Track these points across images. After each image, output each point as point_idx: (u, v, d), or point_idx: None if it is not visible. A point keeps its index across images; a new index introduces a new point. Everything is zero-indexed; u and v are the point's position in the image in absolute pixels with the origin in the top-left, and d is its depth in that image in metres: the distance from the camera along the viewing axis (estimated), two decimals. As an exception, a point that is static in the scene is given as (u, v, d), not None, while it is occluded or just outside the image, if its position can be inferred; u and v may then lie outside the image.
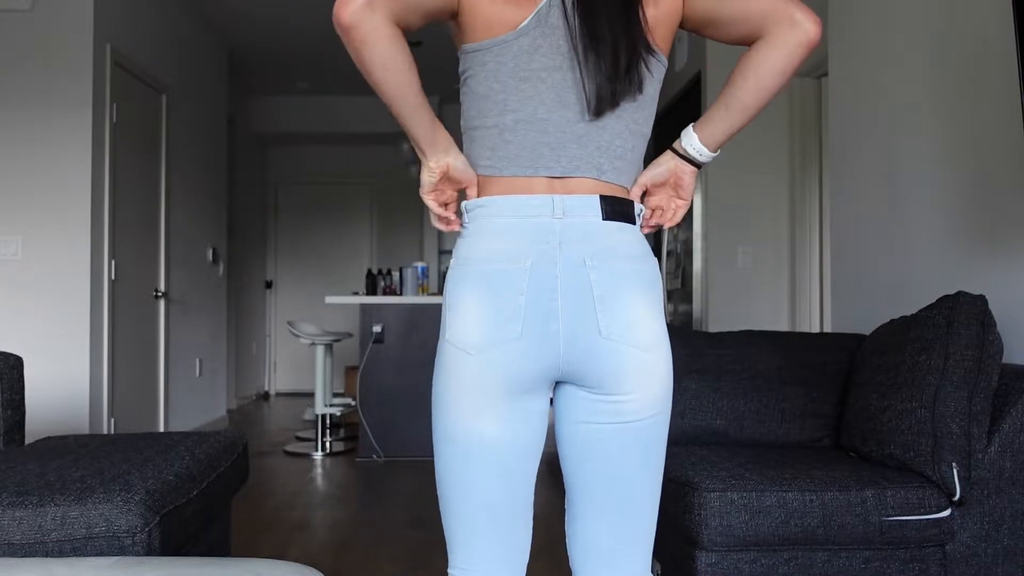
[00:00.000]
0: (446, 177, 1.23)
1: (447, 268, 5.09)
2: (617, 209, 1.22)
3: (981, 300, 2.13)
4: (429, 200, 1.26)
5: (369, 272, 5.91)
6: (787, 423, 2.58)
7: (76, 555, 1.77)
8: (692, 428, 2.60)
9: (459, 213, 1.28)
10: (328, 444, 5.52)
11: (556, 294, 1.18)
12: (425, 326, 5.22)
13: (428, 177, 1.23)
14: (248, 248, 8.16)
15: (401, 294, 5.61)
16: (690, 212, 4.85)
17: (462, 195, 1.28)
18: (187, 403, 5.65)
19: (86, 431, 4.10)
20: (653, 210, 1.33)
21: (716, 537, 1.98)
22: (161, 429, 5.14)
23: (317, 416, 5.50)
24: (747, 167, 4.69)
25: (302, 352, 8.99)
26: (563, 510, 1.38)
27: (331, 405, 5.58)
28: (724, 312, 4.66)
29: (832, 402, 2.59)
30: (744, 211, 4.69)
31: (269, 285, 9.06)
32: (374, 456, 5.18)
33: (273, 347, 9.06)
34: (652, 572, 2.42)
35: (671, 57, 5.47)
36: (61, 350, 4.11)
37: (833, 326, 3.47)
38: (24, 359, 4.04)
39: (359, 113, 8.36)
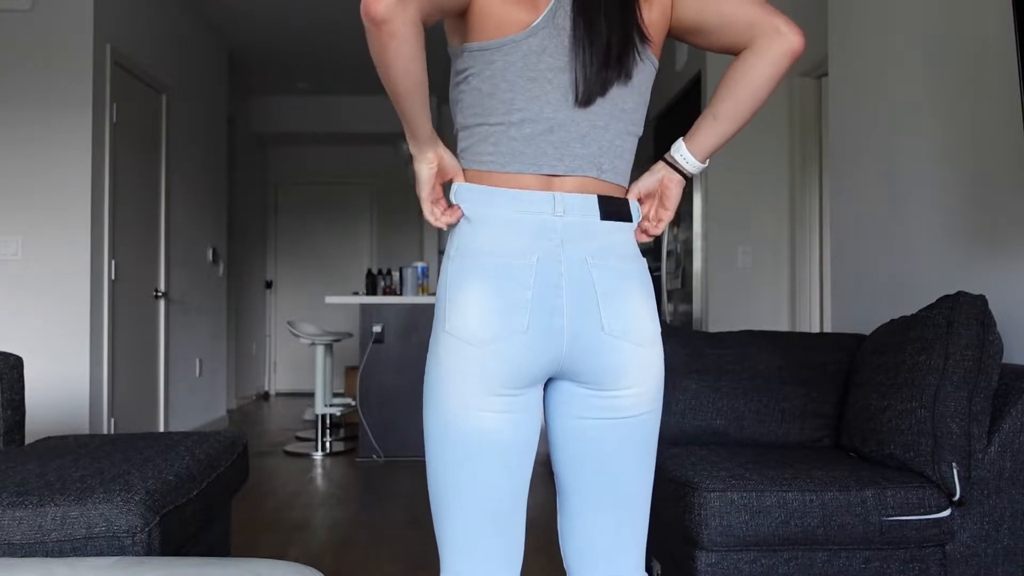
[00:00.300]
0: (440, 169, 1.24)
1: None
2: (614, 209, 1.25)
3: (981, 300, 2.13)
4: (427, 202, 1.25)
5: (369, 272, 5.91)
6: (787, 423, 2.58)
7: (76, 555, 1.77)
8: (692, 428, 2.60)
9: (448, 201, 1.28)
10: (328, 444, 5.52)
11: (561, 290, 1.19)
12: (425, 326, 5.22)
13: (427, 170, 1.23)
14: (248, 248, 8.16)
15: (401, 294, 5.61)
16: (690, 212, 4.85)
17: (447, 189, 1.29)
18: (187, 403, 5.65)
19: (86, 431, 4.10)
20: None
21: (716, 537, 1.98)
22: (161, 429, 5.14)
23: (317, 416, 5.50)
24: (747, 167, 4.69)
25: (302, 352, 8.99)
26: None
27: (331, 405, 5.58)
28: (724, 312, 4.66)
29: (832, 402, 2.59)
30: (744, 211, 4.69)
31: (269, 285, 9.06)
32: (374, 456, 5.18)
33: (273, 347, 9.06)
34: (652, 572, 2.42)
35: (671, 57, 5.47)
36: (61, 350, 4.11)
37: (833, 326, 3.47)
38: (24, 359, 4.04)
39: (359, 113, 8.36)
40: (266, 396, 8.91)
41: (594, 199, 1.23)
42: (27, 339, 4.08)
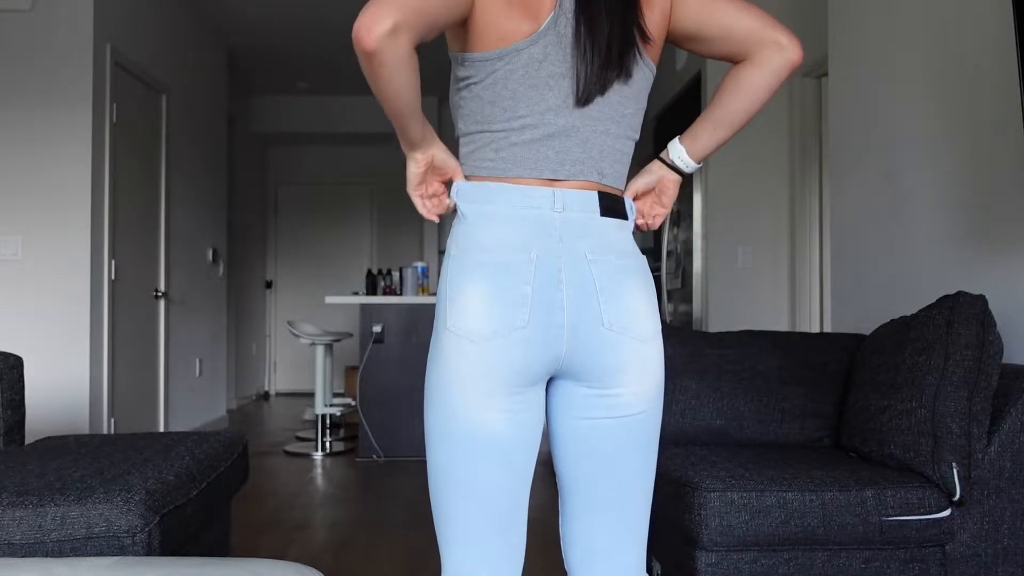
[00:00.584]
0: (431, 167, 1.25)
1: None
2: (613, 206, 1.27)
3: (981, 300, 2.13)
4: (415, 195, 1.27)
5: (369, 272, 5.91)
6: (787, 423, 2.58)
7: (76, 555, 1.77)
8: (692, 428, 2.60)
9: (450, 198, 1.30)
10: (328, 444, 5.52)
11: (561, 286, 1.20)
12: (425, 326, 5.22)
13: (415, 169, 1.24)
14: (248, 248, 8.16)
15: (401, 294, 5.61)
16: (690, 212, 4.85)
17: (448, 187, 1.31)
18: (187, 403, 5.65)
19: (86, 431, 4.10)
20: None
21: (716, 537, 1.98)
22: (161, 429, 5.14)
23: (317, 416, 5.50)
24: (747, 167, 4.69)
25: (302, 352, 8.99)
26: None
27: (331, 405, 5.58)
28: (724, 312, 4.66)
29: (832, 402, 2.59)
30: (744, 211, 4.69)
31: (269, 285, 9.06)
32: (374, 456, 5.18)
33: (273, 347, 9.06)
34: (652, 572, 2.42)
35: (671, 57, 5.47)
36: (61, 350, 4.11)
37: (833, 326, 3.47)
38: (24, 359, 4.04)
39: (359, 113, 8.37)
40: (266, 396, 8.91)
41: (594, 195, 1.24)
42: (27, 339, 4.08)
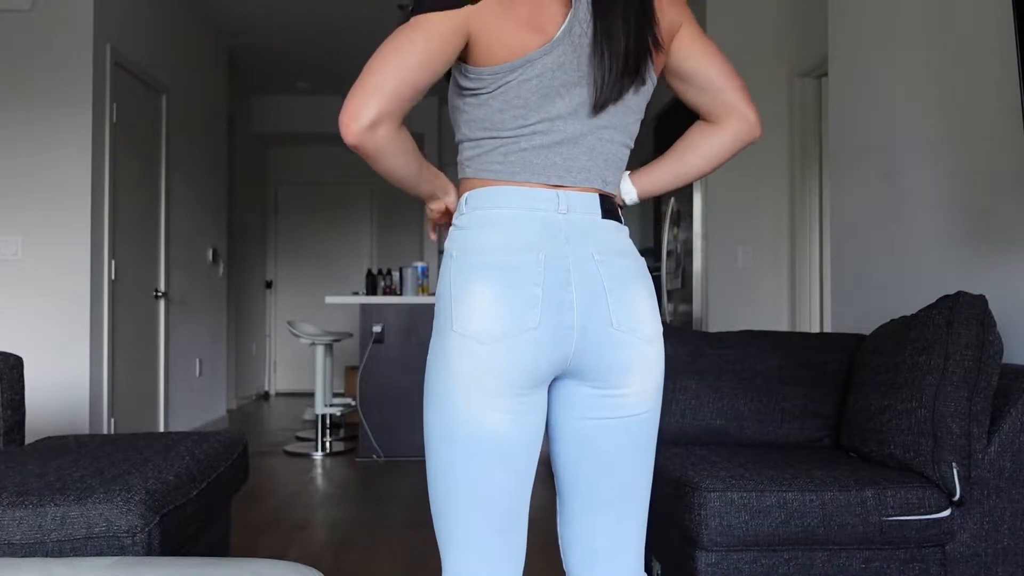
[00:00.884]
0: (447, 210, 1.35)
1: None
2: (612, 208, 1.28)
3: (981, 300, 2.13)
4: (430, 221, 1.39)
5: (369, 272, 5.91)
6: (787, 423, 2.58)
7: (76, 555, 1.77)
8: (692, 428, 2.60)
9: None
10: (328, 444, 5.52)
11: (570, 287, 1.20)
12: (425, 326, 5.22)
13: (431, 215, 1.37)
14: (248, 248, 8.16)
15: (401, 294, 5.61)
16: (690, 212, 4.85)
17: None
18: (187, 403, 5.65)
19: (86, 431, 4.10)
20: None
21: (716, 537, 1.98)
22: (161, 429, 5.14)
23: (317, 416, 5.50)
24: (747, 167, 4.69)
25: (302, 352, 8.99)
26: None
27: (331, 405, 5.58)
28: (724, 312, 4.66)
29: (832, 402, 2.59)
30: (744, 211, 4.69)
31: (269, 285, 9.06)
32: (374, 456, 5.18)
33: (273, 347, 9.06)
34: (652, 572, 2.42)
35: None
36: (61, 350, 4.11)
37: (833, 326, 3.47)
38: (24, 359, 4.04)
39: (359, 113, 8.35)
40: (266, 396, 8.91)
41: (596, 197, 1.25)
42: (27, 339, 4.08)
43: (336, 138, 8.68)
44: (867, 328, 3.12)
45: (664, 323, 2.87)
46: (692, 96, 1.36)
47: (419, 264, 5.54)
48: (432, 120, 8.36)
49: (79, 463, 2.13)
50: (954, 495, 2.00)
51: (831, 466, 2.15)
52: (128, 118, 4.66)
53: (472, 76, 1.20)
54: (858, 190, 3.26)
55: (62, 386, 4.10)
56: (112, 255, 4.40)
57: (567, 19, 1.19)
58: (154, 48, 5.08)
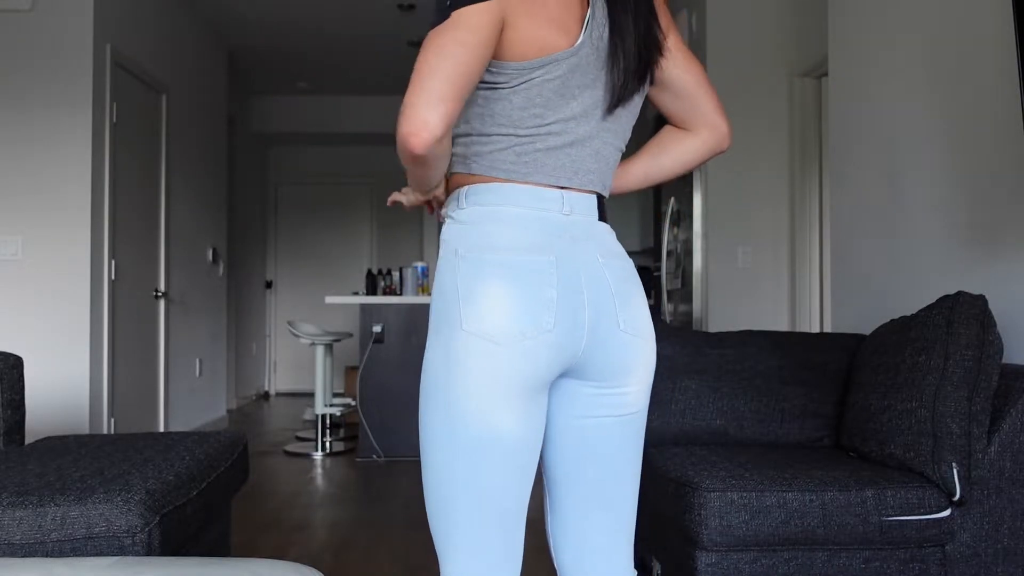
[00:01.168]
0: (436, 198, 1.35)
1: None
2: (604, 211, 1.30)
3: (981, 300, 2.13)
4: (400, 198, 1.37)
5: (369, 272, 5.91)
6: (787, 423, 2.58)
7: (76, 555, 1.77)
8: (692, 428, 2.60)
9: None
10: (328, 444, 5.52)
11: (581, 288, 1.20)
12: (425, 326, 5.22)
13: (414, 199, 1.36)
14: (248, 248, 8.16)
15: (401, 294, 5.61)
16: (690, 212, 4.85)
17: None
18: (187, 403, 5.65)
19: (86, 431, 4.10)
20: None
21: (716, 537, 1.98)
22: (161, 429, 5.14)
23: (317, 416, 5.50)
24: (747, 167, 4.69)
25: (302, 352, 8.99)
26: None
27: (331, 405, 5.58)
28: (724, 312, 4.66)
29: (832, 402, 2.59)
30: (744, 211, 4.69)
31: (269, 285, 9.06)
32: (374, 456, 5.18)
33: (273, 347, 9.06)
34: (652, 572, 2.42)
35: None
36: (61, 350, 4.11)
37: (833, 326, 3.47)
38: (24, 359, 4.04)
39: (359, 113, 8.37)
40: (266, 396, 8.91)
41: (594, 199, 1.27)
42: (27, 339, 4.08)
43: (336, 138, 8.69)
44: (867, 328, 3.12)
45: (664, 323, 2.87)
46: (667, 102, 1.37)
47: (419, 264, 5.54)
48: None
49: (79, 463, 2.13)
50: (954, 495, 2.00)
51: (831, 466, 2.15)
52: (128, 118, 4.66)
53: (494, 69, 1.18)
54: (858, 190, 3.26)
55: (62, 386, 4.10)
56: (112, 255, 4.40)
57: (587, 19, 1.20)
58: (154, 48, 5.08)
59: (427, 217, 8.81)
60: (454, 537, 1.21)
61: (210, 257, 6.13)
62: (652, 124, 5.93)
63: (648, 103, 1.38)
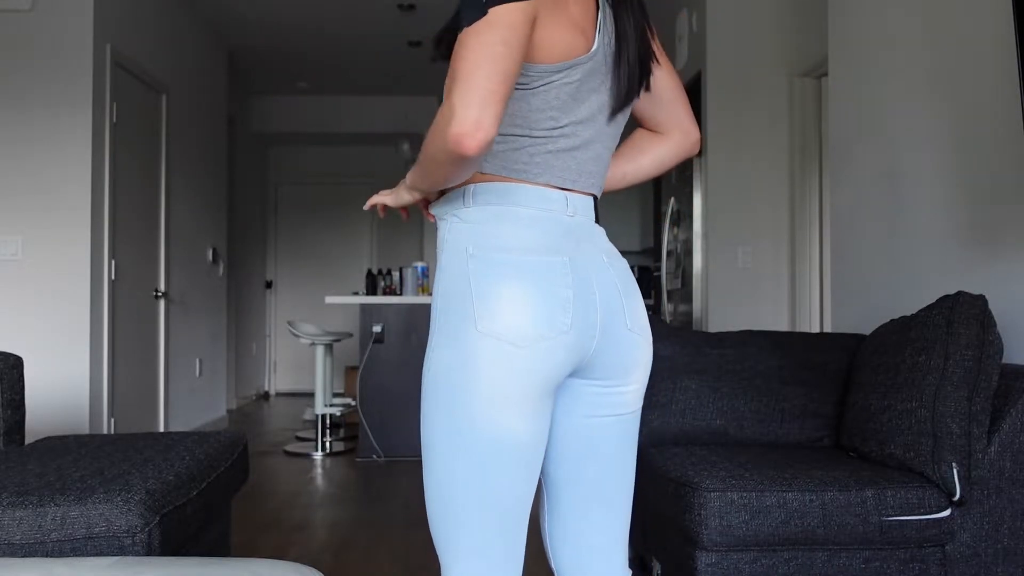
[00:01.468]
0: (421, 203, 1.35)
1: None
2: (599, 213, 1.31)
3: (981, 300, 2.13)
4: (385, 198, 1.36)
5: (369, 272, 5.91)
6: (787, 423, 2.58)
7: (76, 555, 1.77)
8: (692, 428, 2.60)
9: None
10: (328, 444, 5.52)
11: (593, 288, 1.21)
12: (425, 326, 5.22)
13: (408, 198, 1.33)
14: (248, 248, 8.16)
15: (401, 294, 5.61)
16: (690, 212, 4.85)
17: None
18: (187, 403, 5.65)
19: (86, 431, 4.10)
20: None
21: (716, 537, 1.98)
22: (161, 429, 5.14)
23: (317, 416, 5.50)
24: (747, 167, 4.69)
25: (302, 352, 8.99)
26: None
27: (331, 405, 5.58)
28: (724, 312, 4.66)
29: (832, 402, 2.59)
30: (744, 211, 4.69)
31: (269, 285, 9.06)
32: (374, 456, 5.18)
33: (273, 347, 9.06)
34: (652, 572, 2.42)
35: (671, 56, 5.47)
36: (61, 350, 4.11)
37: (833, 326, 3.47)
38: (24, 359, 4.04)
39: (359, 113, 8.36)
40: (266, 396, 8.91)
41: (591, 201, 1.28)
42: (27, 339, 4.08)
43: (336, 138, 8.69)
44: (867, 328, 3.12)
45: (664, 323, 2.87)
46: (647, 107, 1.38)
47: (419, 264, 5.54)
48: (430, 120, 8.35)
49: (79, 463, 2.13)
50: (954, 495, 2.00)
51: (831, 466, 2.15)
52: (128, 118, 4.66)
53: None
54: (858, 190, 3.26)
55: (62, 386, 4.10)
56: (112, 255, 4.40)
57: (598, 24, 1.22)
58: (154, 48, 5.08)
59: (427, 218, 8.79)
60: (459, 539, 1.20)
61: (210, 257, 6.13)
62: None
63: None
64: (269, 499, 4.12)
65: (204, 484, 2.17)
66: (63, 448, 2.37)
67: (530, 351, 1.15)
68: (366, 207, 1.41)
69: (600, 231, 1.29)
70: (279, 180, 9.16)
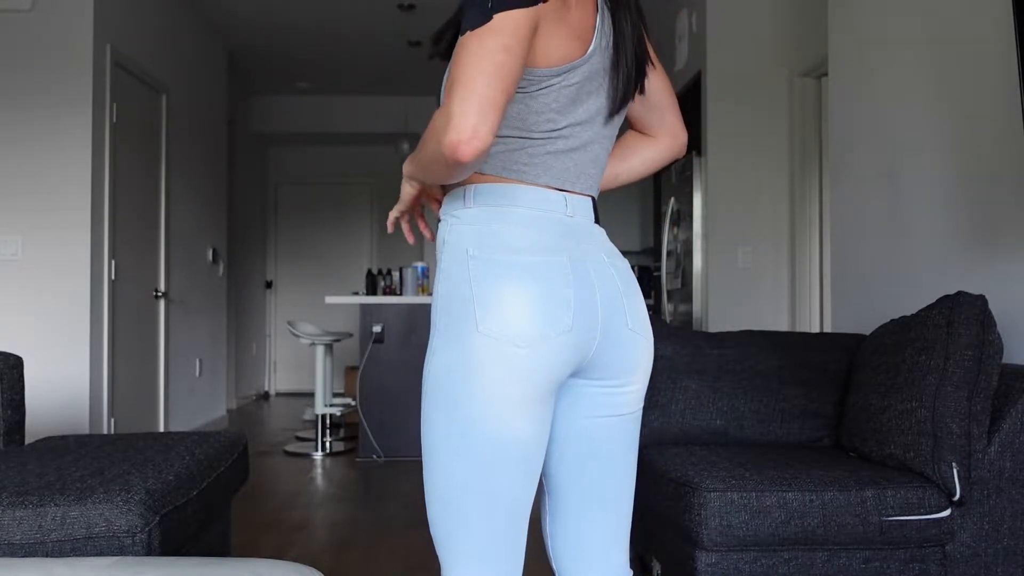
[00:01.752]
0: (424, 191, 1.35)
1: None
2: (598, 213, 1.32)
3: (981, 300, 2.13)
4: (403, 220, 1.38)
5: (369, 272, 5.91)
6: (787, 423, 2.58)
7: (76, 555, 1.77)
8: (692, 428, 2.60)
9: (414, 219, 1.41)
10: (328, 444, 5.52)
11: (594, 288, 1.21)
12: (425, 326, 5.22)
13: (411, 191, 1.34)
14: (248, 248, 8.16)
15: (401, 294, 5.61)
16: (690, 212, 4.85)
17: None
18: (187, 403, 5.65)
19: (86, 431, 4.10)
20: None
21: (716, 537, 1.98)
22: (161, 429, 5.14)
23: (317, 416, 5.50)
24: (747, 167, 4.69)
25: (302, 352, 8.99)
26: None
27: (331, 405, 5.58)
28: (724, 312, 4.66)
29: (832, 402, 2.59)
30: (744, 211, 4.69)
31: (269, 285, 9.06)
32: (374, 456, 5.18)
33: (273, 347, 9.06)
34: (652, 572, 2.42)
35: (671, 56, 5.47)
36: (61, 350, 4.11)
37: (833, 326, 3.47)
38: (24, 359, 4.04)
39: (359, 113, 8.36)
40: (266, 396, 8.91)
41: (590, 201, 1.28)
42: (27, 339, 4.08)
43: (336, 138, 8.69)
44: (867, 328, 3.12)
45: (664, 323, 2.87)
46: (639, 110, 1.39)
47: (419, 264, 5.54)
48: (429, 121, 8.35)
49: (79, 463, 2.13)
50: (954, 495, 2.00)
51: (831, 466, 2.15)
52: (128, 118, 4.65)
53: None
54: (858, 190, 3.26)
55: (62, 386, 4.10)
56: (112, 255, 4.40)
57: (596, 28, 1.22)
58: (154, 48, 5.08)
59: (429, 217, 8.80)
60: (459, 540, 1.20)
61: (210, 257, 6.13)
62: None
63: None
64: (269, 499, 4.12)
65: (204, 484, 2.17)
66: (63, 448, 2.37)
67: (531, 351, 1.15)
68: (390, 229, 1.44)
69: (600, 231, 1.29)
70: (279, 180, 9.16)
